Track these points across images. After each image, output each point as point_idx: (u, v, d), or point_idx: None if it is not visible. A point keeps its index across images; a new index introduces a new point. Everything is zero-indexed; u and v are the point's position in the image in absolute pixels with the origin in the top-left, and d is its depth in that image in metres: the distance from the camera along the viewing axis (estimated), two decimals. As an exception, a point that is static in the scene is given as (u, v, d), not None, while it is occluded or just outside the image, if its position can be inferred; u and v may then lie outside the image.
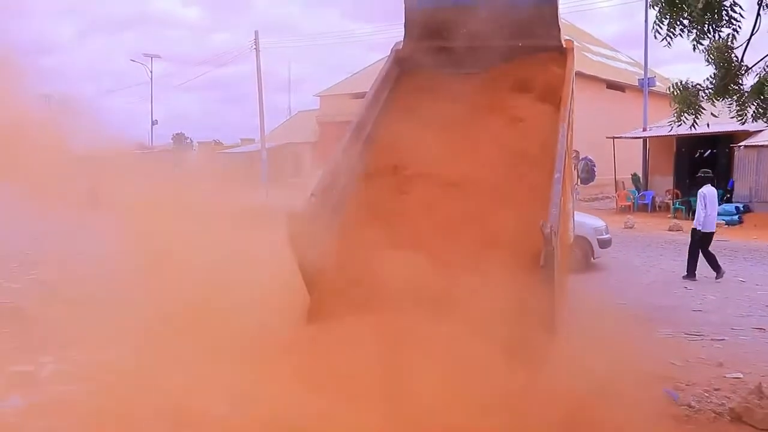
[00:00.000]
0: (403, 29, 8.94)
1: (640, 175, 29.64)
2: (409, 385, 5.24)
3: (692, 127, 6.05)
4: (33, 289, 10.65)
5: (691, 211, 25.69)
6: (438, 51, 8.53)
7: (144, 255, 11.59)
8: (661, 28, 5.52)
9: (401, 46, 8.89)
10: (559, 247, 6.22)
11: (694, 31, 5.47)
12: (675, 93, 5.97)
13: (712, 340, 9.24)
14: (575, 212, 15.18)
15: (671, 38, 5.52)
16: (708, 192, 14.08)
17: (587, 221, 14.86)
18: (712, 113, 6.22)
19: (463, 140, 7.76)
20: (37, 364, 6.32)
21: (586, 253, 14.26)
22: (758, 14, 5.51)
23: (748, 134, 23.41)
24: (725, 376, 7.58)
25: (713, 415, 6.26)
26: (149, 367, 6.09)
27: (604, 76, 35.36)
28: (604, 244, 14.83)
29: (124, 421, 5.10)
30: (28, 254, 14.07)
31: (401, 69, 8.80)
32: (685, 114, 5.95)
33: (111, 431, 4.95)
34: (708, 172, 15.01)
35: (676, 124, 6.05)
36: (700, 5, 5.16)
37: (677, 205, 26.63)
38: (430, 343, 5.57)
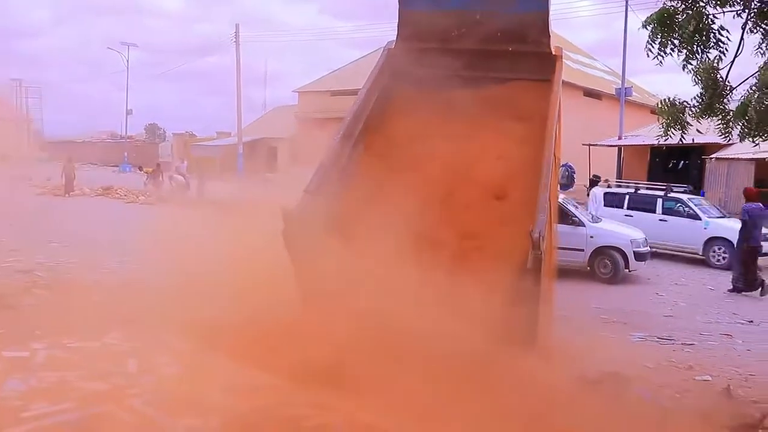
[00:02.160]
0: (396, 29, 9.13)
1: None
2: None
3: (681, 141, 6.35)
4: (12, 276, 10.61)
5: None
6: (429, 52, 8.72)
7: (126, 241, 11.77)
8: (653, 46, 5.80)
9: (393, 46, 9.08)
10: (545, 251, 6.47)
11: (684, 51, 5.74)
12: (663, 108, 6.26)
13: (682, 344, 9.57)
14: (615, 223, 15.84)
15: (662, 56, 5.81)
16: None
17: (625, 232, 15.02)
18: (698, 129, 6.53)
19: (456, 145, 8.04)
20: (30, 350, 6.38)
21: (619, 265, 14.28)
22: (741, 37, 5.81)
23: (719, 147, 23.95)
24: (695, 379, 7.89)
25: (684, 415, 6.53)
26: (142, 355, 6.24)
27: (581, 84, 35.72)
28: (641, 257, 14.62)
29: (122, 405, 5.23)
30: (2, 241, 13.98)
31: (393, 68, 8.97)
32: (672, 129, 6.24)
33: (110, 414, 5.07)
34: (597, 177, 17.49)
35: (663, 138, 6.34)
36: (690, 28, 5.45)
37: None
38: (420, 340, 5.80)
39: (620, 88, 31.26)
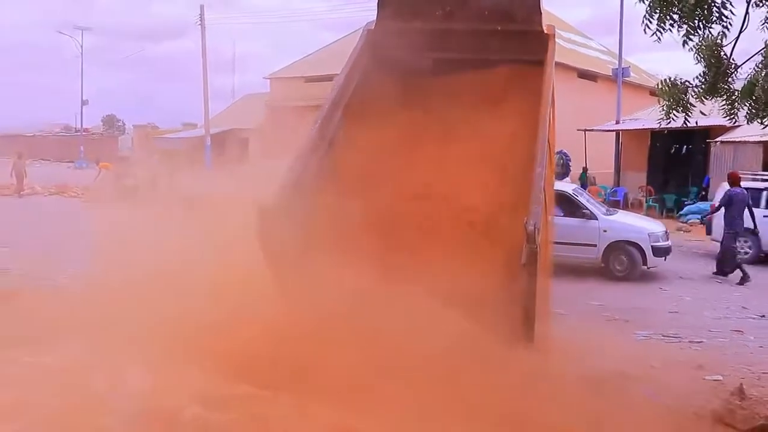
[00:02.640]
0: (376, 9, 9.16)
1: (602, 171, 30.19)
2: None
3: (684, 124, 6.39)
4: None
5: (665, 209, 26.49)
6: (413, 33, 8.75)
7: (85, 244, 11.69)
8: (651, 22, 5.82)
9: (373, 27, 9.09)
10: (541, 245, 6.53)
11: (684, 26, 5.77)
12: (663, 89, 6.29)
13: (689, 342, 9.69)
14: (631, 215, 15.93)
15: (661, 33, 5.83)
16: None
17: (642, 225, 15.01)
18: (701, 111, 6.58)
19: (441, 134, 8.11)
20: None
21: (636, 261, 14.19)
22: (746, 12, 5.85)
23: (724, 129, 24.05)
24: (705, 378, 7.97)
25: (695, 417, 6.61)
26: (108, 368, 6.21)
27: (575, 65, 35.76)
28: (661, 252, 14.44)
29: (87, 425, 5.21)
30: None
31: (374, 51, 8.99)
32: (674, 111, 6.27)
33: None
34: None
35: (665, 121, 6.37)
36: (691, 1, 5.48)
37: (650, 203, 27.34)
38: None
39: (617, 69, 31.35)
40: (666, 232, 14.98)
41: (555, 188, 14.51)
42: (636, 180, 29.52)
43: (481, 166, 7.91)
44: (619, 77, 31.05)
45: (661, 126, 6.96)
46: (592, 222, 14.15)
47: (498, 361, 6.12)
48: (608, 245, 14.20)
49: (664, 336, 9.94)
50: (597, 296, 12.31)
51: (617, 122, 30.19)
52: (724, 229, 14.70)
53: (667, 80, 6.42)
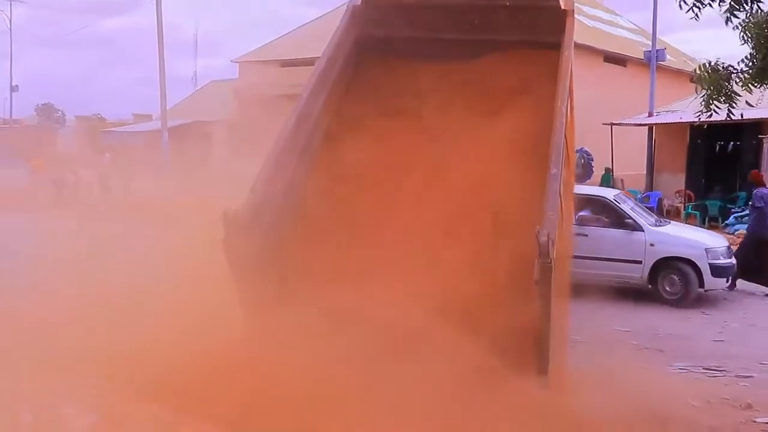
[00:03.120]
0: None
1: (636, 172, 30.13)
2: None
3: (728, 117, 6.36)
4: None
5: (707, 218, 26.44)
6: (406, 9, 8.81)
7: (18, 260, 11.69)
8: (687, -5, 5.81)
9: (360, 2, 9.13)
10: (556, 260, 6.58)
11: (727, 1, 5.76)
12: (702, 76, 6.28)
13: (736, 376, 9.65)
14: (685, 227, 15.80)
15: (699, 9, 5.82)
16: None
17: (699, 238, 14.68)
18: (747, 102, 6.56)
19: (438, 130, 8.17)
20: None
21: (690, 282, 13.75)
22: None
23: (780, 123, 24.07)
24: (755, 421, 7.96)
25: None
26: (42, 403, 6.23)
27: (600, 47, 35.86)
28: (721, 271, 14.00)
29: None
30: None
31: (360, 32, 9.03)
32: (716, 102, 6.24)
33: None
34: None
35: (705, 113, 6.35)
36: (734, -33, 5.47)
37: (690, 210, 27.28)
38: None
39: (650, 51, 31.40)
40: (728, 247, 14.59)
41: (592, 193, 14.66)
42: (672, 183, 29.43)
43: (482, 168, 7.98)
44: (653, 61, 31.06)
45: (700, 120, 6.95)
46: (637, 234, 13.91)
47: (503, 396, 6.17)
48: (656, 262, 13.85)
49: (705, 369, 9.89)
50: (624, 321, 12.29)
51: (650, 115, 30.09)
52: (751, 234, 15.18)
53: (707, 65, 6.42)
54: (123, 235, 10.19)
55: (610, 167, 28.67)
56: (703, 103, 6.37)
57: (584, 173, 23.29)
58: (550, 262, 6.14)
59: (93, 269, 8.62)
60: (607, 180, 28.38)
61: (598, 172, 28.20)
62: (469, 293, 6.94)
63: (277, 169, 7.47)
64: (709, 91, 6.28)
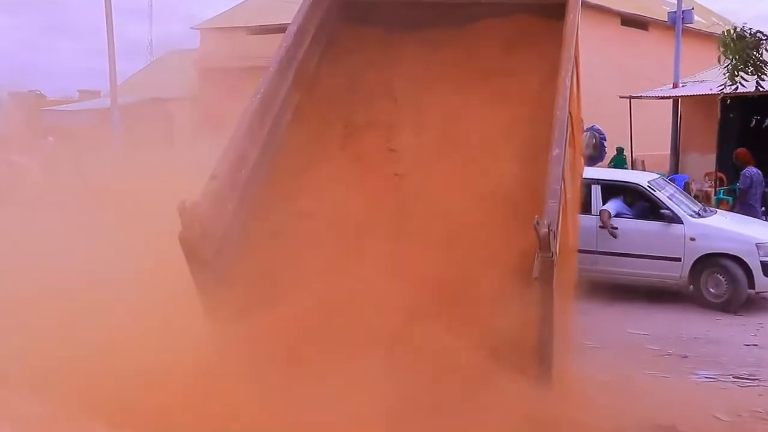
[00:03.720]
0: None
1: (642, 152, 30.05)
2: None
3: (758, 88, 6.38)
4: None
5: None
6: None
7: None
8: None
9: None
10: (559, 254, 6.69)
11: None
12: (727, 44, 6.29)
13: (772, 386, 9.73)
14: (733, 217, 15.39)
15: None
16: None
17: (749, 231, 14.23)
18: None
19: (427, 109, 8.29)
20: None
21: (739, 283, 13.48)
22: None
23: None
24: (793, 438, 8.08)
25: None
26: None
27: (617, 7, 35.91)
28: None
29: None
30: None
31: None
32: (742, 72, 6.25)
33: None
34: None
35: (730, 86, 6.37)
36: None
37: (721, 195, 27.30)
38: None
39: (675, 12, 31.36)
40: None
41: (621, 179, 14.70)
42: (701, 165, 29.29)
43: (475, 153, 8.11)
44: (678, 23, 30.82)
45: (723, 93, 6.99)
46: (675, 227, 13.72)
47: (499, 406, 6.29)
48: (698, 260, 13.63)
49: (735, 378, 9.96)
50: (641, 323, 12.40)
51: (675, 86, 30.00)
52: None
53: (731, 31, 6.45)
54: (68, 231, 10.21)
55: (623, 147, 28.54)
56: (727, 74, 6.41)
57: (596, 154, 23.17)
58: (552, 257, 6.20)
59: (33, 269, 8.62)
60: (620, 162, 28.17)
61: (611, 153, 28.11)
62: (459, 288, 7.06)
63: (241, 153, 7.53)
64: (734, 61, 6.32)
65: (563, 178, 7.01)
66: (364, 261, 7.19)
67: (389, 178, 8.08)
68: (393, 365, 6.41)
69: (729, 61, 6.50)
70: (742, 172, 15.77)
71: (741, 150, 16.43)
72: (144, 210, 8.45)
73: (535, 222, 6.19)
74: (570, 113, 7.67)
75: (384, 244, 7.41)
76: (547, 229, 6.14)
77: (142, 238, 8.17)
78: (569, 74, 7.77)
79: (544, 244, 6.15)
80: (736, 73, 6.45)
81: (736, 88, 6.51)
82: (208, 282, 6.79)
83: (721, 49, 6.63)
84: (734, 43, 6.43)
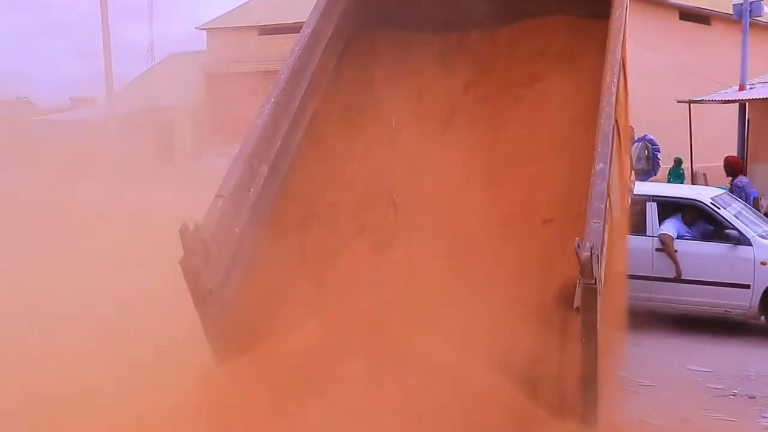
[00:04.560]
0: None
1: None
2: None
3: None
4: None
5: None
6: None
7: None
8: None
9: None
10: (605, 280, 6.72)
11: None
12: None
13: None
14: None
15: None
16: None
17: None
18: None
19: (454, 120, 8.42)
20: None
21: None
22: None
23: None
24: None
25: None
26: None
27: (675, 0, 35.91)
28: None
29: None
30: None
31: None
32: None
33: None
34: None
35: None
36: None
37: (798, 212, 27.24)
38: None
39: (741, 4, 31.26)
40: None
41: (680, 195, 14.39)
42: None
43: (515, 168, 8.22)
44: (745, 17, 30.70)
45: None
46: (743, 249, 13.36)
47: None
48: None
49: (814, 423, 9.93)
50: (703, 359, 12.21)
51: (741, 88, 29.88)
52: None
53: None
54: (57, 254, 10.35)
55: (681, 158, 28.34)
56: None
57: (647, 168, 23.05)
58: (595, 284, 6.20)
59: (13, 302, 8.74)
60: (677, 175, 28.02)
61: (668, 165, 27.91)
62: (497, 324, 7.12)
63: (249, 169, 7.61)
64: None
65: (608, 196, 7.03)
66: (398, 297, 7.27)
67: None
68: (415, 396, 6.45)
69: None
70: (735, 182, 15.56)
71: (731, 157, 15.98)
72: (144, 232, 8.51)
73: (576, 245, 6.19)
74: (616, 122, 7.71)
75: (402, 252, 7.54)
76: (589, 253, 6.12)
77: (144, 264, 8.25)
78: (615, 78, 7.81)
79: (586, 270, 6.11)
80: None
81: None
82: (212, 313, 6.83)
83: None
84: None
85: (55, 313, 8.44)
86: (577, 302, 6.30)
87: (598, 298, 6.31)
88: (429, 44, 9.04)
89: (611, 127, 7.40)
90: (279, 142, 8.09)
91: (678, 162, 28.09)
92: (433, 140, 8.55)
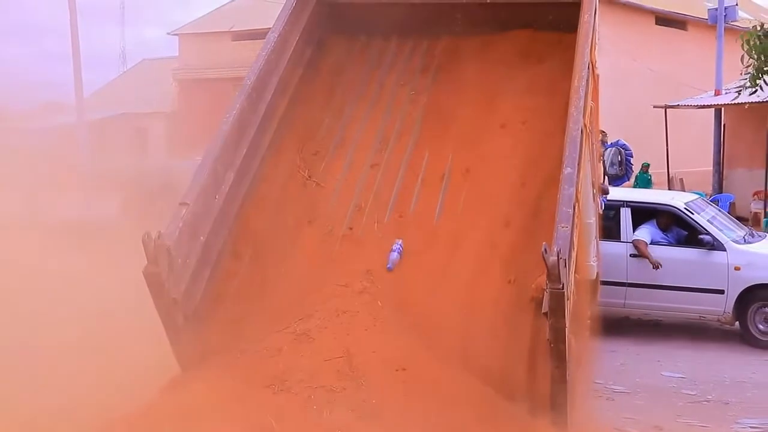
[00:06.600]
0: None
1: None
2: None
3: None
4: None
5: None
6: None
7: None
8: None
9: None
10: (575, 286, 6.75)
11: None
12: (752, 44, 6.30)
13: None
14: None
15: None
16: None
17: None
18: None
19: (429, 123, 8.46)
20: None
21: None
22: None
23: None
24: None
25: None
26: None
27: (651, 5, 35.98)
28: None
29: None
30: None
31: None
32: (766, 76, 6.27)
33: None
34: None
35: (748, 89, 6.38)
36: None
37: (773, 217, 27.27)
38: None
39: (716, 9, 31.35)
40: None
41: (654, 201, 14.50)
42: (748, 183, 28.98)
43: (477, 176, 8.25)
44: (720, 23, 30.81)
45: (734, 101, 6.95)
46: (717, 254, 13.44)
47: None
48: (744, 292, 13.33)
49: (788, 427, 9.95)
50: (677, 364, 12.26)
51: (717, 93, 29.88)
52: None
53: (757, 28, 6.46)
54: (23, 266, 10.31)
55: (649, 163, 28.10)
56: (750, 76, 6.43)
57: (621, 173, 23.09)
58: (562, 289, 6.18)
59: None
60: (644, 181, 28.01)
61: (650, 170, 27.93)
62: (464, 329, 7.15)
63: (215, 177, 7.60)
64: (758, 62, 6.32)
65: (577, 200, 7.05)
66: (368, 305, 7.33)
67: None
68: (391, 401, 6.47)
69: (752, 64, 6.51)
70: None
71: None
72: (113, 241, 8.48)
73: (543, 250, 6.19)
74: (584, 127, 7.72)
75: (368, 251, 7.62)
76: (556, 258, 6.14)
77: (109, 276, 8.21)
78: (583, 82, 7.83)
79: (553, 275, 6.13)
80: (758, 76, 6.47)
81: (755, 92, 6.54)
82: (177, 321, 6.82)
83: (745, 48, 6.64)
84: (759, 42, 6.45)
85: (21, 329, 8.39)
86: (545, 307, 6.29)
87: (567, 303, 6.31)
88: (395, 51, 9.04)
89: (579, 132, 7.42)
90: (245, 149, 8.08)
91: (645, 167, 27.99)
92: (396, 147, 8.65)
